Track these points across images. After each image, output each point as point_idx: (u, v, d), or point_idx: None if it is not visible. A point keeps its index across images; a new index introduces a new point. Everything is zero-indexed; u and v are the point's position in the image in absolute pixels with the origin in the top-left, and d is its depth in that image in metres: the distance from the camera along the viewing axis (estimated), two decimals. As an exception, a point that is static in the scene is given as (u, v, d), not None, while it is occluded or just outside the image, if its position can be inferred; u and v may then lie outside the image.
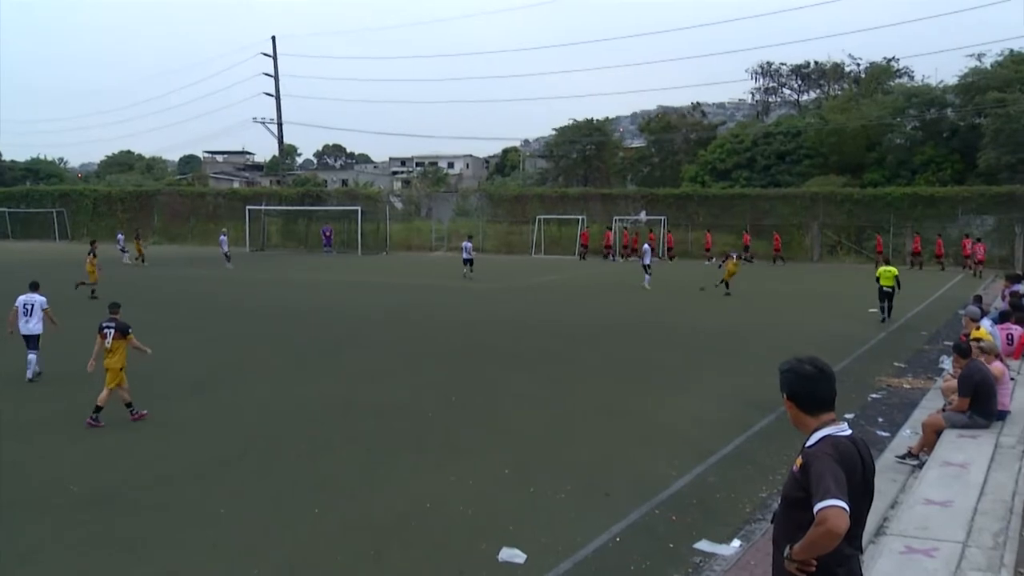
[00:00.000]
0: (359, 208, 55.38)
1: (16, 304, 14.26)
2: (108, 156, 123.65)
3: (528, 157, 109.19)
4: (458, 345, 17.30)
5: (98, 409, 11.06)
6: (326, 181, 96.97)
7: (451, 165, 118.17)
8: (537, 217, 54.67)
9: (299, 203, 60.14)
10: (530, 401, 12.37)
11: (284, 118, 69.26)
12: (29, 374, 13.84)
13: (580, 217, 54.05)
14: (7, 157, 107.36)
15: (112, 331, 11.30)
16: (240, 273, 35.72)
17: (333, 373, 14.37)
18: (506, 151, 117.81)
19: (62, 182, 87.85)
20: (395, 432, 10.67)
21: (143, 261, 41.25)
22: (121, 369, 11.23)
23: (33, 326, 14.11)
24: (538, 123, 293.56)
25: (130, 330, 11.38)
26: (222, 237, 41.24)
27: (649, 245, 32.89)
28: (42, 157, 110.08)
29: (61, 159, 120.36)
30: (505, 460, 9.49)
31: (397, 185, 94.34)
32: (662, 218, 52.31)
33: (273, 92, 68.62)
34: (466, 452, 9.84)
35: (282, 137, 69.92)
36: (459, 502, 8.15)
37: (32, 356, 13.95)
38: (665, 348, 17.45)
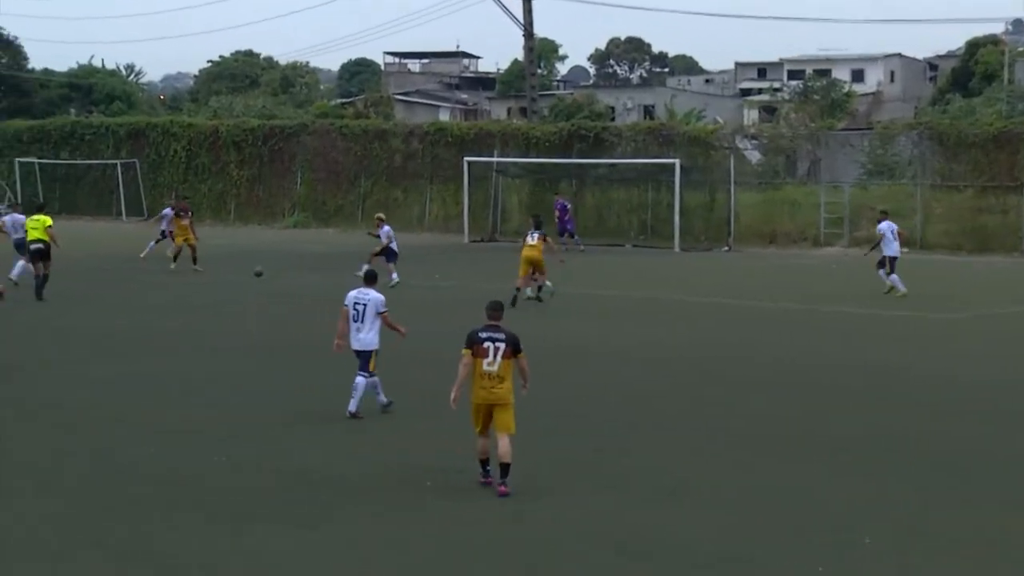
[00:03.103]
0: (676, 162, 55.66)
1: (346, 303, 18.20)
2: (212, 62, 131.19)
3: (1021, 55, 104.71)
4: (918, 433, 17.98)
5: (497, 466, 13.98)
6: (612, 109, 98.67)
7: (858, 76, 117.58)
8: (1042, 178, 52.21)
9: (563, 150, 60.87)
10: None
11: (536, -11, 70.28)
12: (352, 407, 17.86)
13: None
14: (36, 64, 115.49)
15: (501, 346, 14.03)
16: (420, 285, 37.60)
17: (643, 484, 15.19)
18: (973, 46, 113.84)
19: (131, 108, 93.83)
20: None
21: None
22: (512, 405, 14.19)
23: (364, 337, 17.99)
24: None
25: (522, 346, 14.26)
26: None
27: (894, 227, 36.15)
28: (97, 64, 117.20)
29: (130, 67, 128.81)
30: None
31: (751, 116, 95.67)
32: None
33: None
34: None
35: (531, 26, 70.77)
36: None
37: (360, 380, 17.86)
38: None
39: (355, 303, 17.85)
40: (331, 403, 18.47)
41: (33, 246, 33.34)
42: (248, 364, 23.36)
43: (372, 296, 17.83)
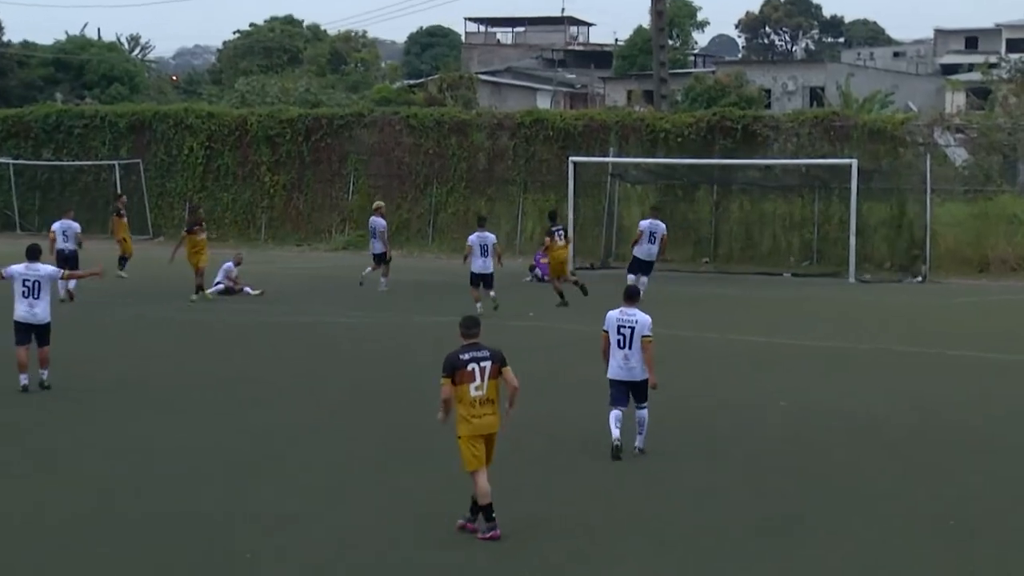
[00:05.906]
0: (852, 162, 51.03)
1: (606, 327, 19.20)
2: (240, 33, 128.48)
3: None
4: None
5: (480, 510, 14.91)
6: (767, 92, 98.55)
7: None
8: None
9: (701, 147, 56.80)
10: None
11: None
12: (639, 443, 19.65)
13: None
14: (13, 36, 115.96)
15: (487, 365, 15.02)
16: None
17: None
18: None
19: (135, 93, 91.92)
20: None
21: None
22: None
23: (636, 366, 18.95)
24: None
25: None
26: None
27: (658, 228, 40.52)
28: (91, 36, 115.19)
29: (134, 40, 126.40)
30: None
31: (955, 101, 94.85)
32: None
33: None
34: None
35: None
36: None
37: (642, 414, 19.32)
38: None
39: (619, 326, 18.51)
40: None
41: None
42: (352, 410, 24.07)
43: (640, 318, 18.51)
